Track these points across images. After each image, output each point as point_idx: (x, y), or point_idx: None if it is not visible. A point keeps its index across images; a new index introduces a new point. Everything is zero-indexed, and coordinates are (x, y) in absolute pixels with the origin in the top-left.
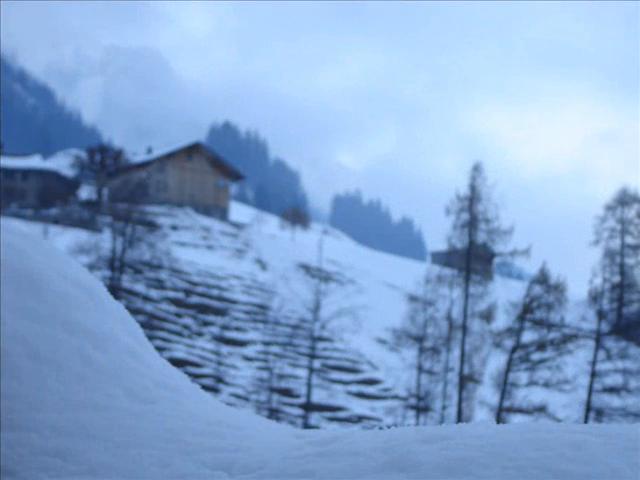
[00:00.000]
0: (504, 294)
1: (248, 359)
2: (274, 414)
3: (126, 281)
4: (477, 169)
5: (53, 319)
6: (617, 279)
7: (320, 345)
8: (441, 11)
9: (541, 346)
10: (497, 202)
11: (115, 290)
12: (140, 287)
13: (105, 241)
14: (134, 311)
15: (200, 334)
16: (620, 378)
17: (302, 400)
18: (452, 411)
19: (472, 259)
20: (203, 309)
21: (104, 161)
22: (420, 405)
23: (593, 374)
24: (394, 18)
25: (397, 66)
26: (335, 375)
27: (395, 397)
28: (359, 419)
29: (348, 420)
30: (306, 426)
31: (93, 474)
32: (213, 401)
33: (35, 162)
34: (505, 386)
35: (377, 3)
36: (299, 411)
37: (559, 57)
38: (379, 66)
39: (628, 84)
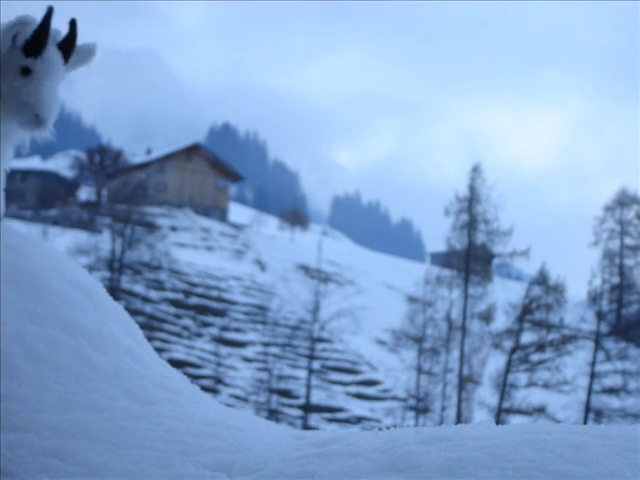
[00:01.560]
0: (503, 295)
1: (247, 360)
2: (273, 415)
3: (125, 282)
4: (476, 170)
5: (52, 320)
6: (616, 280)
7: (319, 346)
8: (434, 10)
9: (540, 347)
10: (496, 203)
11: (114, 291)
12: (139, 288)
13: (104, 242)
14: (133, 312)
15: (199, 335)
16: (619, 379)
17: (301, 401)
18: (451, 412)
19: (471, 260)
20: (202, 310)
21: (103, 162)
22: (419, 406)
23: (592, 375)
24: (389, 16)
25: (394, 66)
26: (334, 376)
27: (394, 398)
28: (358, 420)
29: (347, 421)
30: (305, 427)
31: (92, 475)
32: (212, 402)
33: (34, 163)
34: (504, 387)
35: (371, 3)
36: (298, 412)
37: (553, 52)
38: (377, 67)
39: (616, 77)
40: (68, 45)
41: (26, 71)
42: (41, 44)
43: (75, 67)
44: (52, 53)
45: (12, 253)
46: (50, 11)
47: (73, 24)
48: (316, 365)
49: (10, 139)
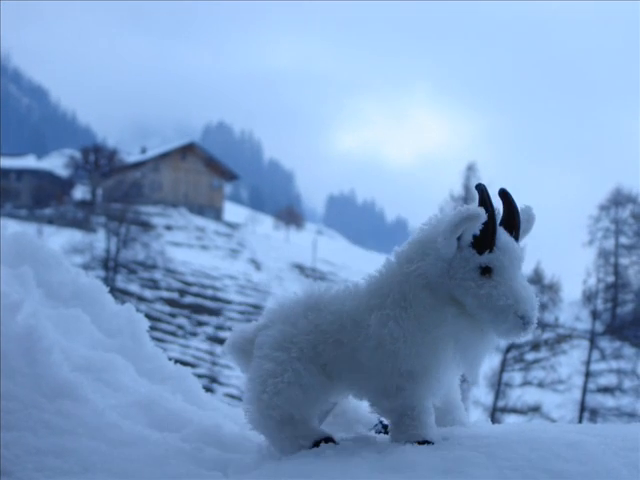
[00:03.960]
0: None
1: None
2: None
3: (120, 281)
4: (471, 169)
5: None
6: (611, 279)
7: None
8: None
9: (535, 346)
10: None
11: (109, 290)
12: (134, 287)
13: (99, 241)
14: None
15: (194, 334)
16: (614, 378)
17: None
18: None
19: None
20: (197, 309)
21: (98, 161)
22: None
23: (587, 374)
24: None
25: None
26: None
27: None
28: None
29: None
30: None
31: (89, 473)
32: (210, 400)
33: (29, 162)
34: (499, 386)
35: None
36: None
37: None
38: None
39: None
40: (513, 222)
41: (487, 270)
42: (494, 235)
43: (522, 239)
44: (504, 238)
45: (10, 254)
46: (484, 192)
47: (505, 195)
48: None
49: (486, 351)
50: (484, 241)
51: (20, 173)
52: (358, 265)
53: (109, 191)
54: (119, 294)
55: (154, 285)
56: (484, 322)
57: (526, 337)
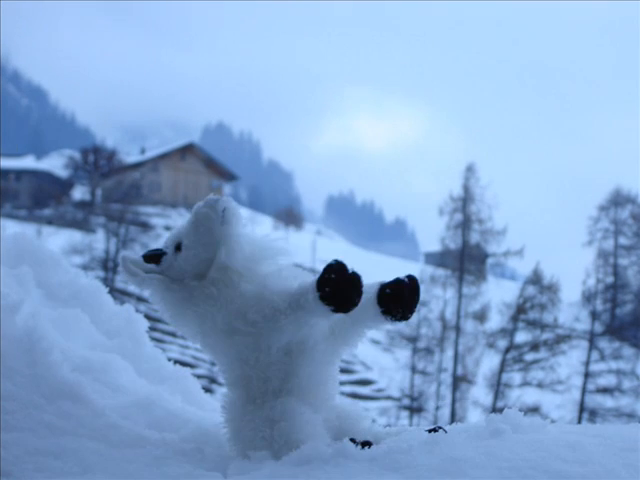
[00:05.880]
0: (497, 294)
1: None
2: None
3: (119, 282)
4: (470, 169)
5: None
6: (610, 280)
7: None
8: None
9: (534, 346)
10: (490, 202)
11: (109, 291)
12: (134, 287)
13: (98, 241)
14: None
15: None
16: (613, 379)
17: None
18: (445, 412)
19: (465, 259)
20: None
21: (98, 162)
22: (414, 406)
23: (586, 375)
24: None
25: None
26: None
27: (388, 398)
28: None
29: None
30: None
31: (88, 474)
32: (210, 401)
33: (29, 163)
34: (498, 387)
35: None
36: None
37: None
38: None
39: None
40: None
41: (178, 248)
42: (155, 253)
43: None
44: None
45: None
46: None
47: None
48: None
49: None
50: (152, 255)
51: (19, 174)
52: (357, 265)
53: (108, 192)
54: (118, 294)
55: None
56: (223, 262)
57: (227, 205)
